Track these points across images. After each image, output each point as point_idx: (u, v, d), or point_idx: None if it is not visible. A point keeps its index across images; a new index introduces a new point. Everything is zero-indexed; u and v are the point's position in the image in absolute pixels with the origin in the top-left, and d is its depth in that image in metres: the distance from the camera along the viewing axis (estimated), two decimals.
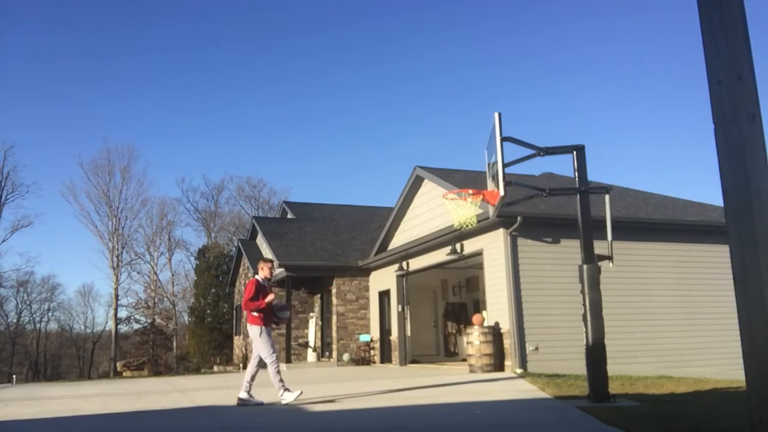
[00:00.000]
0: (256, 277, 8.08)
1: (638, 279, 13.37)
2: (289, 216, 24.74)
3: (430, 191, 15.98)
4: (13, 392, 11.85)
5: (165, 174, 69.74)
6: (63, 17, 64.42)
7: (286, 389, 7.59)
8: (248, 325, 7.82)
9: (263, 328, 7.71)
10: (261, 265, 8.23)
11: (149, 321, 39.42)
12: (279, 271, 19.52)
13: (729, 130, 2.91)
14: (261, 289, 7.85)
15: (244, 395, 7.60)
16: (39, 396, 10.37)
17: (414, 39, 72.66)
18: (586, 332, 7.39)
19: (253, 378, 7.65)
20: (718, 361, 12.93)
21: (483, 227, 12.80)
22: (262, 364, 7.76)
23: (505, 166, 7.39)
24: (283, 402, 7.50)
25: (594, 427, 5.51)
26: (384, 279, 18.46)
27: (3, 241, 43.65)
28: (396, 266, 17.16)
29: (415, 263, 16.71)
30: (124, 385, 12.91)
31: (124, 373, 27.65)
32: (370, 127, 73.87)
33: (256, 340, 7.75)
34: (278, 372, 7.58)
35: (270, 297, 7.81)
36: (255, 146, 72.77)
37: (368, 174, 72.48)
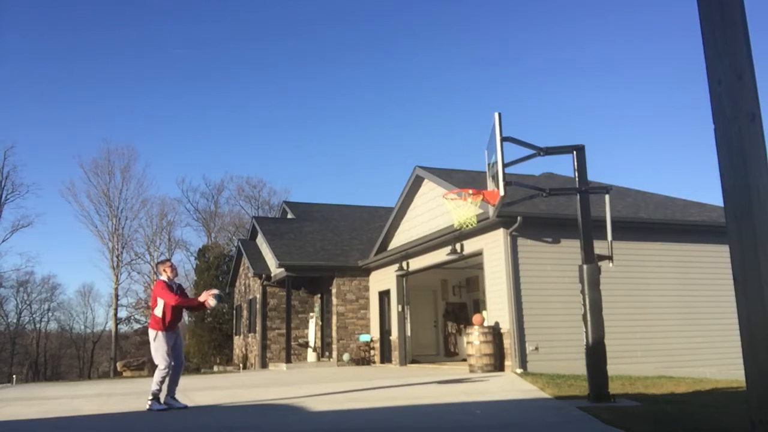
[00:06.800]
0: (161, 278, 7.70)
1: (638, 279, 13.37)
2: (289, 216, 24.75)
3: (430, 191, 15.98)
4: (13, 392, 11.85)
5: (165, 174, 69.78)
6: (63, 17, 64.49)
7: (156, 400, 7.30)
8: (149, 329, 7.58)
9: (159, 332, 7.36)
10: (161, 267, 7.78)
11: (149, 321, 39.35)
12: (279, 271, 19.53)
13: (729, 130, 2.91)
14: (170, 289, 7.57)
15: (167, 399, 7.46)
16: (39, 396, 10.37)
17: (413, 39, 72.73)
18: (586, 332, 7.39)
19: (163, 382, 7.38)
20: (718, 361, 12.93)
21: (483, 227, 12.79)
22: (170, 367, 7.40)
23: (505, 166, 7.39)
24: (146, 407, 7.28)
25: (594, 427, 5.51)
26: (384, 279, 18.46)
27: (3, 241, 43.67)
28: (396, 266, 17.16)
29: (415, 263, 16.71)
30: (124, 385, 12.91)
31: (124, 373, 27.68)
32: (369, 127, 73.94)
33: (151, 344, 7.44)
34: (161, 382, 7.30)
35: (208, 294, 7.51)
36: (255, 146, 72.84)
37: (368, 174, 72.54)
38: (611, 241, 7.97)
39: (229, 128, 71.65)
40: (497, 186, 7.45)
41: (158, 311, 7.46)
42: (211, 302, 7.56)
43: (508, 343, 12.42)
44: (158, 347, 7.35)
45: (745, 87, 2.91)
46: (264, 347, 20.49)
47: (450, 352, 19.40)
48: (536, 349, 12.23)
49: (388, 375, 12.88)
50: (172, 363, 7.36)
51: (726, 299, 11.12)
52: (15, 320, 48.33)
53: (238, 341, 25.48)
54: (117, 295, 40.99)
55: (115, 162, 42.81)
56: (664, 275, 13.76)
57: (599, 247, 7.74)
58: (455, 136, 71.52)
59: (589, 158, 7.99)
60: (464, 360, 14.04)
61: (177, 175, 79.00)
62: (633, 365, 12.10)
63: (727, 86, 2.94)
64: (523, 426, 5.88)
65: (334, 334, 19.27)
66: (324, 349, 20.63)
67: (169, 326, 7.47)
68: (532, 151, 7.78)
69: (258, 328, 20.84)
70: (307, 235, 21.33)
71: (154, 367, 7.60)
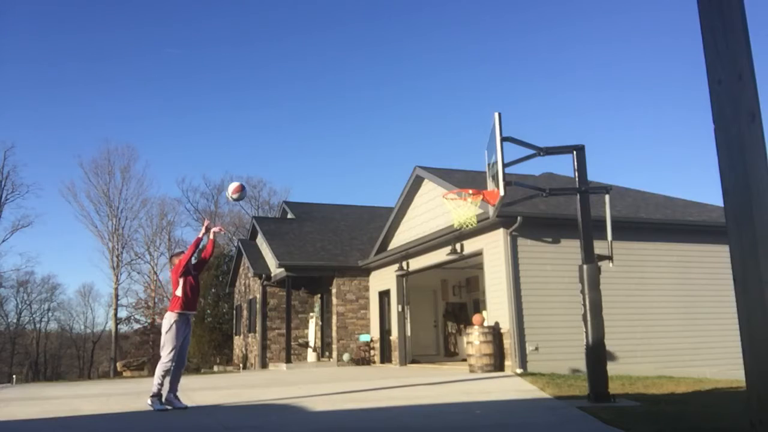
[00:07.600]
0: None
1: (638, 279, 13.37)
2: (289, 216, 24.74)
3: (431, 191, 15.98)
4: (13, 392, 11.85)
5: (165, 174, 69.79)
6: (63, 17, 64.48)
7: (158, 397, 7.27)
8: (166, 314, 7.55)
9: (174, 322, 7.30)
10: (176, 259, 7.88)
11: (149, 321, 39.42)
12: (279, 271, 19.52)
13: (729, 130, 2.91)
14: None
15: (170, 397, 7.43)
16: (39, 396, 10.36)
17: (413, 39, 72.71)
18: (586, 332, 7.39)
19: (165, 377, 7.31)
20: (718, 361, 12.93)
21: (483, 227, 12.79)
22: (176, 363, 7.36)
23: (505, 166, 7.40)
24: (147, 403, 7.29)
25: (594, 427, 5.51)
26: (384, 279, 18.46)
27: (3, 241, 43.67)
28: (396, 266, 17.16)
29: (415, 263, 16.71)
30: (124, 385, 12.91)
31: (124, 373, 27.67)
32: (369, 127, 73.92)
33: (163, 334, 7.35)
34: (163, 377, 7.23)
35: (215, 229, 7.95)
36: (255, 146, 72.83)
37: (368, 174, 72.54)
38: (611, 241, 7.97)
39: (229, 128, 71.73)
40: (497, 186, 7.45)
41: (179, 291, 7.49)
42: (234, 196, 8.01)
43: (508, 343, 12.42)
44: (169, 339, 7.33)
45: (745, 87, 2.91)
46: (264, 347, 20.48)
47: (450, 352, 19.40)
48: (536, 349, 12.23)
49: (388, 375, 12.88)
50: (175, 359, 7.38)
51: (726, 299, 11.12)
52: (15, 320, 48.41)
53: (238, 341, 25.48)
54: (117, 295, 41.06)
55: (115, 162, 42.93)
56: (664, 275, 13.75)
57: (599, 247, 7.74)
58: (455, 136, 71.60)
59: (589, 158, 8.00)
60: (464, 360, 14.03)
61: (177, 175, 79.07)
62: (633, 365, 12.10)
63: (727, 86, 2.93)
64: (523, 426, 5.88)
65: (334, 334, 19.26)
66: (324, 349, 20.63)
67: (191, 305, 7.50)
68: (532, 151, 7.78)
69: (258, 328, 20.84)
70: (307, 235, 21.33)
71: (154, 366, 7.60)
